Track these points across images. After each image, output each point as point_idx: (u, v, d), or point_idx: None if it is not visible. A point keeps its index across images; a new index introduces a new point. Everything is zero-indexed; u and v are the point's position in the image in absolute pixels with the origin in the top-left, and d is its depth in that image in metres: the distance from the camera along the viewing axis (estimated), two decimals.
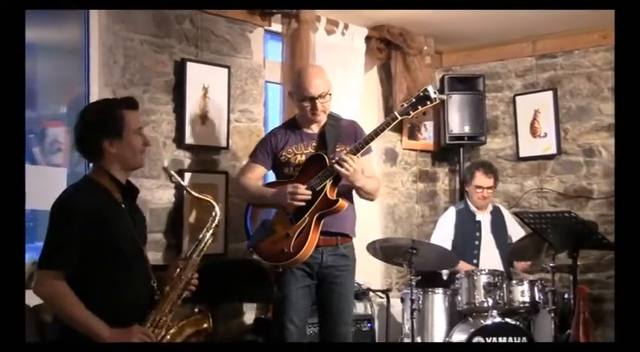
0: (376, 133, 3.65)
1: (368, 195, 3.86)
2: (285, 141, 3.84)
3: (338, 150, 3.76)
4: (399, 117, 3.66)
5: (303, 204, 3.60)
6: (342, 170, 3.57)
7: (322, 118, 3.81)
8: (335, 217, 3.68)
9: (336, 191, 3.67)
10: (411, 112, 3.66)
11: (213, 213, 2.98)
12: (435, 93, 3.63)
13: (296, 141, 3.83)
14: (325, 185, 3.63)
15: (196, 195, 3.03)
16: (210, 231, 2.96)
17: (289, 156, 3.81)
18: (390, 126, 3.69)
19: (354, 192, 3.84)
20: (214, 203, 3.02)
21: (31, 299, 2.85)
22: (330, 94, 3.81)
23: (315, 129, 3.85)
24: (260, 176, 3.88)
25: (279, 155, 3.83)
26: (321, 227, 3.66)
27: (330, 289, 3.78)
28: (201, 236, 2.95)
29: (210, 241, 2.96)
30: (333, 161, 3.61)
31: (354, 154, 3.62)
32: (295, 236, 3.62)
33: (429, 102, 3.64)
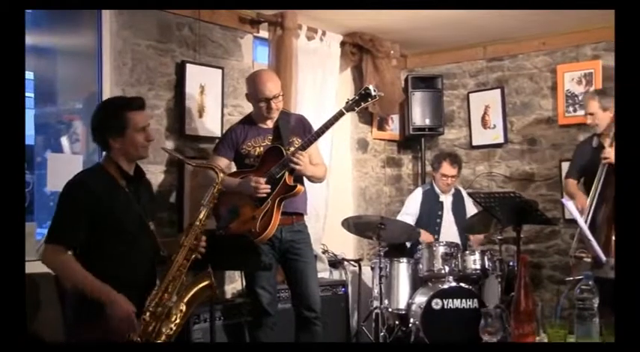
0: (326, 127, 3.64)
1: (317, 180, 3.90)
2: (244, 135, 3.80)
3: (290, 141, 3.76)
4: (345, 112, 3.66)
5: (265, 195, 3.61)
6: (295, 166, 3.61)
7: (276, 115, 3.80)
8: (290, 199, 3.70)
9: (293, 178, 3.68)
10: (355, 108, 3.68)
11: (218, 179, 2.94)
12: (374, 91, 3.65)
13: (254, 136, 3.79)
14: (284, 173, 3.64)
15: (195, 164, 3.09)
16: (209, 197, 2.90)
17: (249, 148, 3.78)
18: (338, 120, 3.66)
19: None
20: (214, 167, 3.00)
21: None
22: (282, 94, 3.80)
23: (269, 124, 3.82)
24: (225, 167, 3.78)
25: (239, 148, 3.79)
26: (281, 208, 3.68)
27: (295, 259, 3.80)
28: (204, 202, 2.91)
29: (211, 206, 2.91)
30: (287, 157, 3.62)
31: (308, 146, 3.64)
32: (260, 218, 3.62)
33: (370, 99, 3.65)
